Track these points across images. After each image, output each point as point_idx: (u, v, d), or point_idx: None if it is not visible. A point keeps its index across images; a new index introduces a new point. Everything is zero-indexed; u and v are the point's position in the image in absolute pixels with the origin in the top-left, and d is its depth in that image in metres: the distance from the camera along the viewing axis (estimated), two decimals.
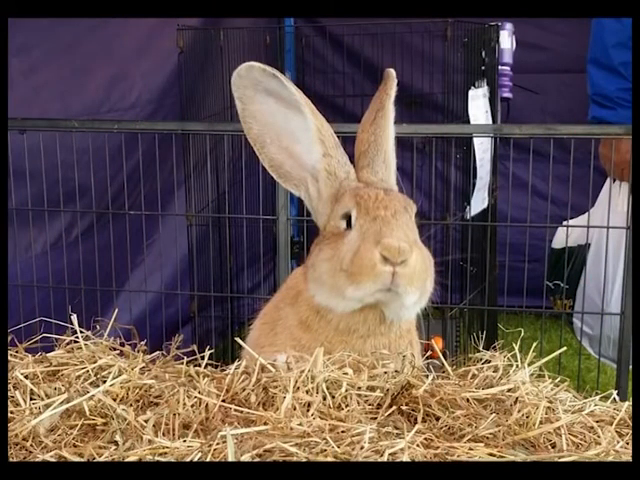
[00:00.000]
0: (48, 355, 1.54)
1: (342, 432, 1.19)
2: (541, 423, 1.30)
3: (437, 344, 1.77)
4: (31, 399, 1.37)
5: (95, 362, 1.47)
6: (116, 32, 3.78)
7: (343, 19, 4.55)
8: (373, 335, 1.63)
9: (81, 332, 1.60)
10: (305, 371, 1.35)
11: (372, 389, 1.37)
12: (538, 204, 3.80)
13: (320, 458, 1.10)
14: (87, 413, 1.30)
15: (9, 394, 1.38)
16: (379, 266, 1.50)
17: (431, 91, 4.63)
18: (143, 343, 1.65)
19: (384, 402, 1.34)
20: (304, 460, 1.09)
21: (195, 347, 1.62)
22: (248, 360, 1.47)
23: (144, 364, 1.52)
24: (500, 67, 3.90)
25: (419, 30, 4.32)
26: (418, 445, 1.16)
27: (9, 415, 1.31)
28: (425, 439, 1.20)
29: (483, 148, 3.53)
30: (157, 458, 1.13)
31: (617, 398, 1.50)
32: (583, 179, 2.88)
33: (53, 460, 1.16)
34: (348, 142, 1.89)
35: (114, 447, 1.19)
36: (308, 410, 1.27)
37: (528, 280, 2.94)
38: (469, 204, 3.59)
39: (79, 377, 1.44)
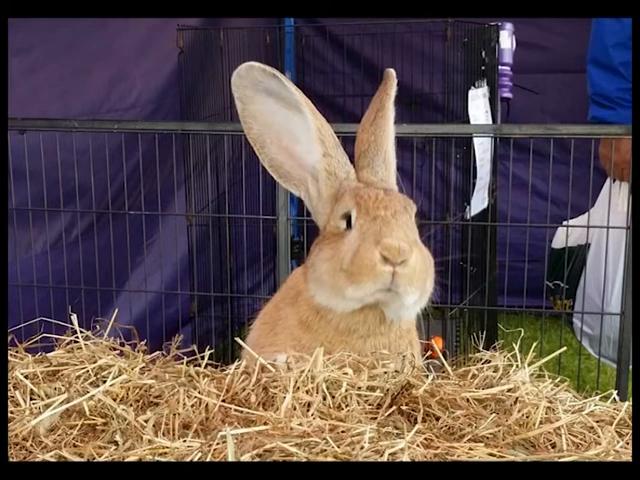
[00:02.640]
0: (48, 355, 1.54)
1: (342, 432, 1.19)
2: (541, 423, 1.30)
3: (437, 344, 1.77)
4: (31, 399, 1.37)
5: (95, 362, 1.47)
6: (116, 32, 3.78)
7: (343, 19, 4.55)
8: (373, 335, 1.63)
9: (81, 332, 1.60)
10: (305, 371, 1.35)
11: (372, 389, 1.36)
12: (538, 204, 3.81)
13: (320, 458, 1.10)
14: (87, 413, 1.30)
15: (9, 394, 1.38)
16: (379, 266, 1.50)
17: (431, 91, 4.63)
18: (143, 343, 1.65)
19: (384, 402, 1.34)
20: (304, 460, 1.09)
21: (195, 347, 1.62)
22: (248, 360, 1.47)
23: (144, 364, 1.52)
24: (500, 67, 3.90)
25: (419, 30, 4.32)
26: (418, 445, 1.16)
27: (9, 415, 1.31)
28: (425, 439, 1.20)
29: (483, 148, 3.53)
30: (157, 458, 1.13)
31: (617, 398, 1.50)
32: (583, 179, 2.88)
33: (53, 460, 1.16)
34: (348, 142, 1.89)
35: (114, 447, 1.19)
36: (308, 410, 1.27)
37: (528, 280, 2.94)
38: (469, 204, 3.59)
39: (79, 377, 1.44)
